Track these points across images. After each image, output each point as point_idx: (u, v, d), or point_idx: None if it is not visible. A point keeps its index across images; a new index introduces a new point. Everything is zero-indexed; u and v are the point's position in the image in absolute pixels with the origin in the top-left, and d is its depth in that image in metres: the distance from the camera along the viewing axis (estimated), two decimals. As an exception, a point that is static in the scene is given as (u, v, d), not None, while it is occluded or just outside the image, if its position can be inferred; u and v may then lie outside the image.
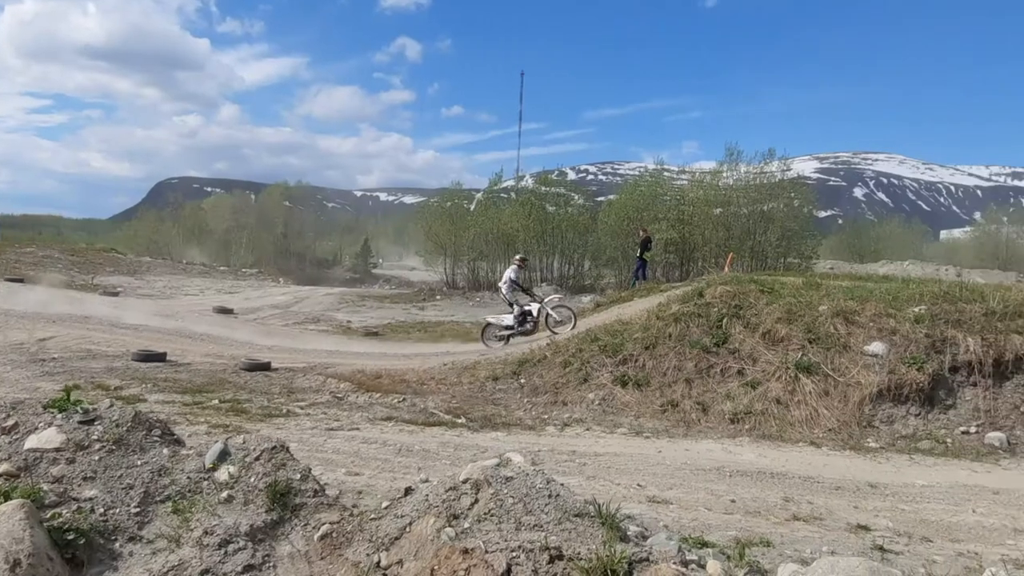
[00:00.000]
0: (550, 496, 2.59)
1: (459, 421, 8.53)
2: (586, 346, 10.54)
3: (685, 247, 33.06)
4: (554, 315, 13.40)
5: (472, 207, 33.84)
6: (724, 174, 35.68)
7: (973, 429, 8.00)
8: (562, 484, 2.75)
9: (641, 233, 19.01)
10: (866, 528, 5.17)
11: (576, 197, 33.86)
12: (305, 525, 3.15)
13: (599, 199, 43.53)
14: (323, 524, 3.00)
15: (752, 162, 35.02)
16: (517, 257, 15.39)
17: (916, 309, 9.08)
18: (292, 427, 7.76)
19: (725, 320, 9.89)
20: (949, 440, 7.92)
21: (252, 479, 3.48)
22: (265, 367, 11.19)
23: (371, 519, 2.83)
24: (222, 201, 65.22)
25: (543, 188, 31.82)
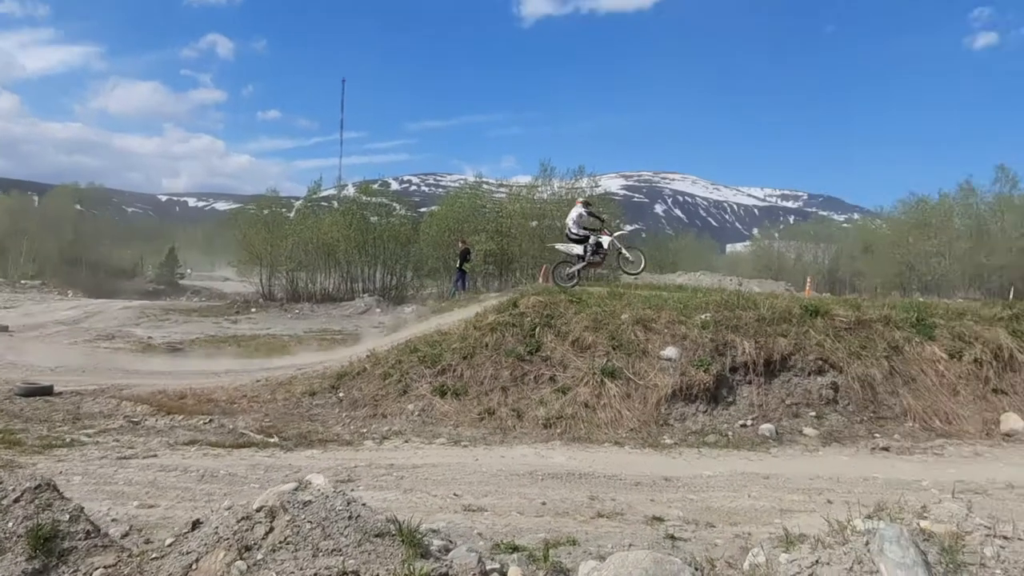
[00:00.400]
0: (350, 518, 2.54)
1: (272, 440, 8.12)
2: (405, 357, 10.49)
3: (503, 258, 34.07)
4: (627, 254, 13.12)
5: (292, 215, 32.41)
6: (539, 188, 37.29)
7: (749, 422, 9.03)
8: (364, 504, 2.71)
9: (460, 244, 19.32)
10: (660, 519, 5.63)
11: (398, 207, 33.70)
12: (74, 572, 2.82)
13: (422, 210, 43.70)
14: (96, 569, 2.71)
15: (564, 178, 36.97)
16: (580, 200, 14.69)
17: (702, 316, 10.08)
18: (76, 458, 6.96)
19: (537, 329, 10.32)
20: (730, 433, 8.87)
21: (10, 524, 3.07)
22: (46, 391, 9.97)
23: (152, 559, 2.60)
24: (-4, 203, 56.90)
25: (364, 198, 31.28)
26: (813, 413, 9.27)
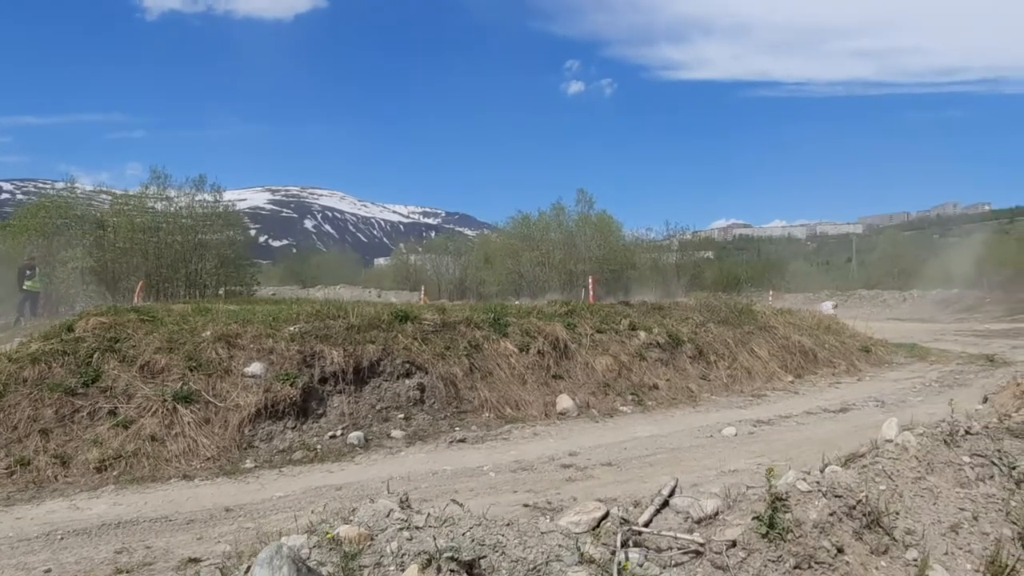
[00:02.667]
0: None
1: None
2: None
3: (109, 276, 29.58)
4: None
5: None
6: (151, 199, 33.37)
7: (339, 432, 8.90)
8: None
9: (24, 260, 15.96)
10: (197, 560, 5.03)
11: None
12: None
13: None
14: None
15: (183, 188, 33.71)
16: None
17: (292, 328, 9.70)
18: None
19: (96, 355, 8.82)
20: (319, 446, 8.61)
21: None
22: None
23: None
24: None
25: None
26: (402, 415, 9.55)
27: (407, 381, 9.91)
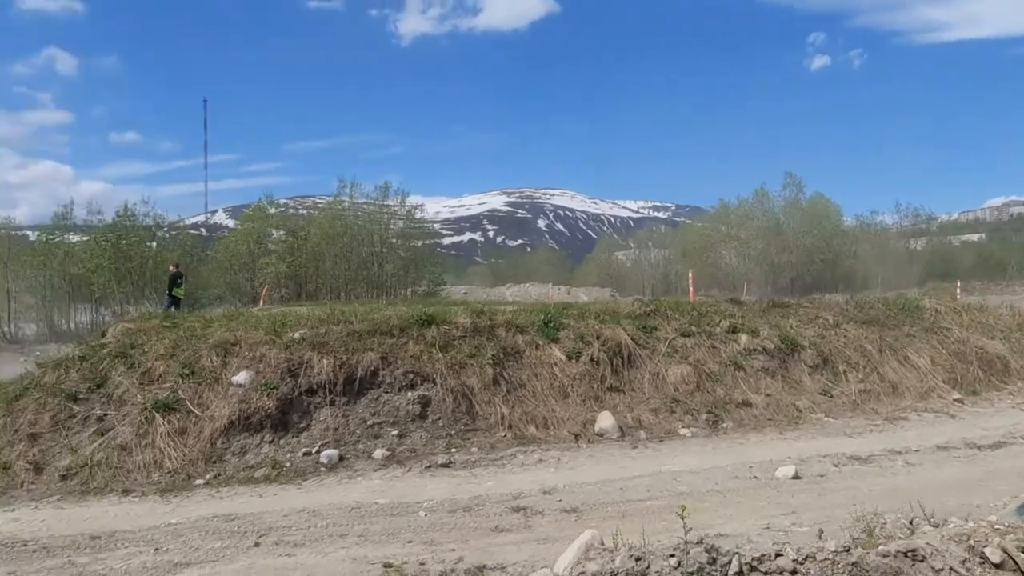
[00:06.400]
0: None
1: None
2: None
3: (299, 279, 32.45)
4: None
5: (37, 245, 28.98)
6: (346, 206, 36.09)
7: (315, 449, 8.11)
8: None
9: (171, 268, 17.64)
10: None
11: (166, 232, 30.99)
12: None
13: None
14: None
15: (370, 197, 36.01)
16: None
17: (294, 334, 9.14)
18: None
19: (107, 362, 9.00)
20: (289, 463, 7.91)
21: None
22: None
23: None
24: None
25: (128, 223, 28.46)
26: (396, 432, 8.50)
27: (408, 394, 8.84)
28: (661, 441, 8.76)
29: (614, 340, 10.18)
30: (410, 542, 5.53)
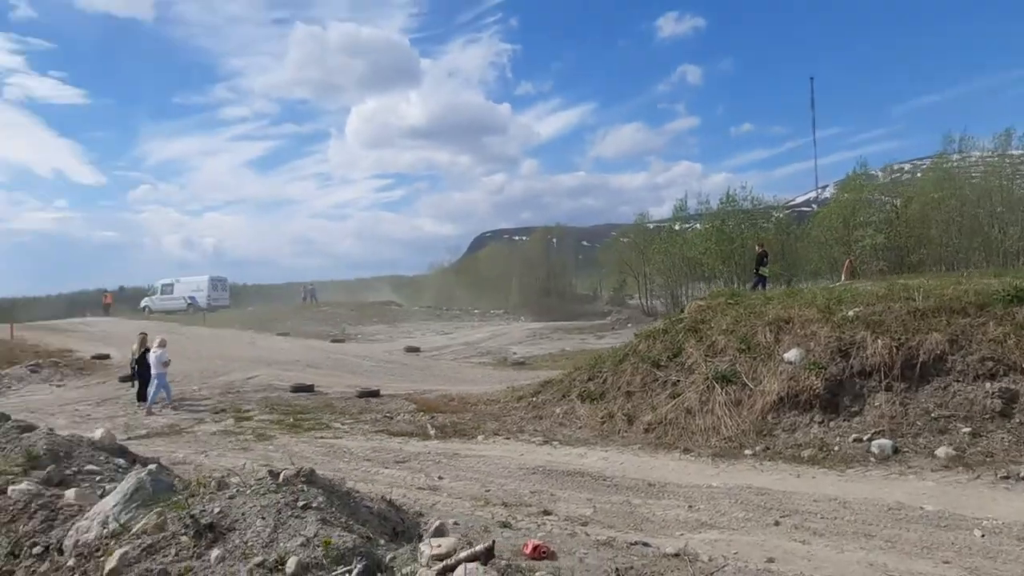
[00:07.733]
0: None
1: (430, 432, 10.42)
2: (584, 363, 11.70)
3: (899, 252, 29.56)
4: None
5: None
6: (954, 164, 31.41)
7: (866, 436, 7.63)
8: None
9: (757, 248, 18.56)
10: (548, 513, 6.13)
11: (774, 214, 32.20)
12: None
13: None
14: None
15: (985, 150, 30.39)
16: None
17: (849, 312, 8.74)
18: (304, 438, 10.39)
19: (681, 335, 10.36)
20: (836, 447, 7.70)
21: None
22: (374, 394, 14.04)
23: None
24: (495, 250, 71.83)
25: (730, 208, 30.95)
26: (968, 429, 7.29)
27: (987, 385, 7.41)
28: None
29: None
30: (947, 563, 4.80)
